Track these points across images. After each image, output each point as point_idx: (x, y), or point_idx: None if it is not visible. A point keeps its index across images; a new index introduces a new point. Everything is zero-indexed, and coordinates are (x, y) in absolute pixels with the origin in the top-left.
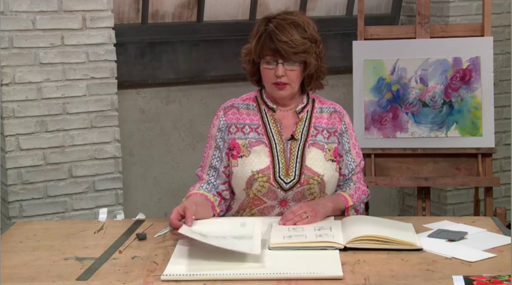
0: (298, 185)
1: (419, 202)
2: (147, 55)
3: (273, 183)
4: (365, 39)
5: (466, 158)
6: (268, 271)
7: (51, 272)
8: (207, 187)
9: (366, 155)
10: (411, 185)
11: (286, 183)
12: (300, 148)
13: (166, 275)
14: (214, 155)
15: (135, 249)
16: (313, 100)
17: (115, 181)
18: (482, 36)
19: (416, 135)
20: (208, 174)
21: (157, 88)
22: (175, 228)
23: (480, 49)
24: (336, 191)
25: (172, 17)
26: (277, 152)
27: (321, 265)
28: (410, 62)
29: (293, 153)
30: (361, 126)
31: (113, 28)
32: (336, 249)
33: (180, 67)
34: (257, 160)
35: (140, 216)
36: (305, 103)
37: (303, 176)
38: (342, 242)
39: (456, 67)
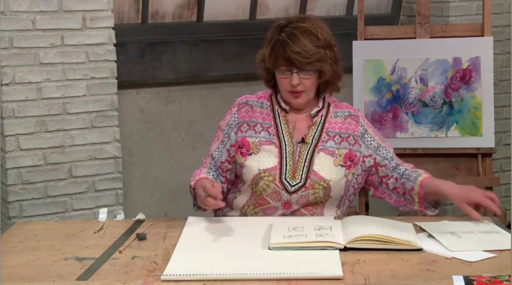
0: (303, 189)
1: None
2: (147, 55)
3: (278, 184)
4: (365, 39)
5: (466, 158)
6: (268, 271)
7: (51, 272)
8: (213, 174)
9: None
10: None
11: (291, 186)
12: (310, 152)
13: (166, 275)
14: (218, 148)
15: (135, 249)
16: (329, 104)
17: (115, 181)
18: (482, 36)
19: (416, 135)
20: (210, 163)
21: (157, 88)
22: (214, 195)
23: (480, 49)
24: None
25: (172, 17)
26: (286, 154)
27: (321, 265)
28: (410, 62)
29: (302, 156)
30: None
31: (113, 28)
32: (336, 249)
33: (180, 67)
34: (265, 159)
35: (140, 216)
36: (320, 107)
37: (308, 181)
38: (342, 242)
39: (456, 67)
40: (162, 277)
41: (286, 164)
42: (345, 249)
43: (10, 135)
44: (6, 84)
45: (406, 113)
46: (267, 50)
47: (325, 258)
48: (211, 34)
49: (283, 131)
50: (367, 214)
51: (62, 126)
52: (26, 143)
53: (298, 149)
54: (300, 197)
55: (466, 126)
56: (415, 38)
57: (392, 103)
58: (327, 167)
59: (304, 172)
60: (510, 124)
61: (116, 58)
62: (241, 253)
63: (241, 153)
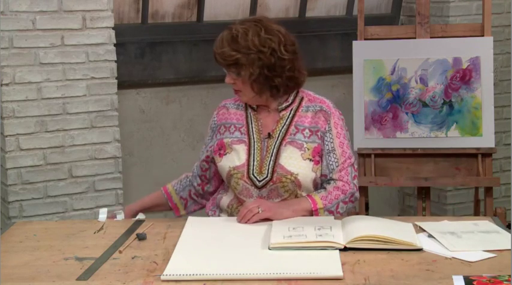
0: (271, 183)
1: (419, 202)
2: (147, 55)
3: (247, 180)
4: (365, 39)
5: (466, 158)
6: (268, 271)
7: (51, 272)
8: (185, 182)
9: (366, 155)
10: (411, 185)
11: (259, 180)
12: (276, 146)
13: (166, 275)
14: (202, 151)
15: (135, 249)
16: (302, 99)
17: (115, 181)
18: (482, 36)
19: (416, 135)
20: (196, 164)
21: (157, 88)
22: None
23: (480, 49)
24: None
25: (172, 17)
26: (254, 150)
27: (321, 265)
28: (410, 62)
29: (269, 151)
30: (361, 126)
31: (113, 28)
32: (336, 249)
33: (180, 67)
34: (236, 157)
35: (140, 216)
36: (290, 102)
37: (275, 174)
38: (342, 242)
39: (456, 67)
40: (162, 277)
41: (253, 160)
42: (345, 249)
43: (10, 135)
44: (6, 84)
45: (406, 113)
46: None
47: (325, 258)
48: (211, 34)
49: (253, 129)
50: (367, 214)
51: (62, 126)
52: (26, 143)
53: (266, 144)
54: (270, 192)
55: (466, 126)
56: (415, 38)
57: (392, 103)
58: (293, 161)
59: (270, 166)
60: (510, 124)
61: (116, 58)
62: (241, 253)
63: (219, 154)
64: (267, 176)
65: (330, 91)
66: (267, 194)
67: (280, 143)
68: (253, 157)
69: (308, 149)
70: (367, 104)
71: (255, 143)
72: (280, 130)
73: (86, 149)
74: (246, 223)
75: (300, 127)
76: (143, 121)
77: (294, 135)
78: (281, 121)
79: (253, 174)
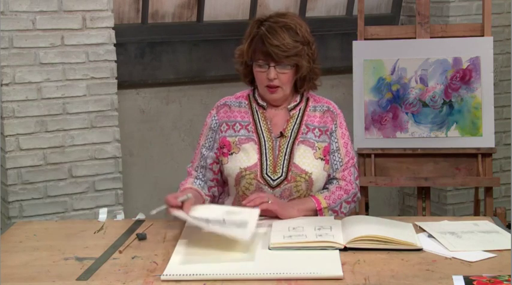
0: (286, 182)
1: (419, 202)
2: (147, 55)
3: (260, 180)
4: (365, 39)
5: (466, 158)
6: (268, 271)
7: (51, 272)
8: (200, 183)
9: (366, 155)
10: (411, 185)
11: (273, 180)
12: (289, 145)
13: (166, 275)
14: (203, 154)
15: (135, 249)
16: (308, 99)
17: (115, 181)
18: (482, 36)
19: (416, 135)
20: (196, 171)
21: (157, 88)
22: (171, 206)
23: (480, 49)
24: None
25: (172, 17)
26: (265, 149)
27: (321, 265)
28: (410, 62)
29: (281, 150)
30: (361, 126)
31: (113, 28)
32: (336, 249)
33: (180, 67)
34: (246, 157)
35: (140, 216)
36: (298, 101)
37: (290, 174)
38: (342, 242)
39: (456, 67)
40: (162, 277)
41: (266, 159)
42: (345, 249)
43: (10, 135)
44: (6, 84)
45: (406, 113)
46: (246, 44)
47: (325, 258)
48: (211, 34)
49: (262, 127)
50: (367, 214)
51: (62, 126)
52: (26, 143)
53: (278, 143)
54: (283, 191)
55: (466, 126)
56: (415, 38)
57: (393, 103)
58: (307, 160)
59: (284, 165)
60: (510, 124)
61: (116, 58)
62: (241, 253)
63: (223, 153)
64: (281, 176)
65: (330, 91)
66: (280, 194)
67: (293, 143)
68: (266, 156)
69: (319, 148)
70: (367, 104)
71: (266, 142)
72: (292, 129)
73: (86, 149)
74: (252, 206)
75: (310, 126)
76: (143, 121)
77: (306, 134)
78: (291, 120)
79: (267, 174)
